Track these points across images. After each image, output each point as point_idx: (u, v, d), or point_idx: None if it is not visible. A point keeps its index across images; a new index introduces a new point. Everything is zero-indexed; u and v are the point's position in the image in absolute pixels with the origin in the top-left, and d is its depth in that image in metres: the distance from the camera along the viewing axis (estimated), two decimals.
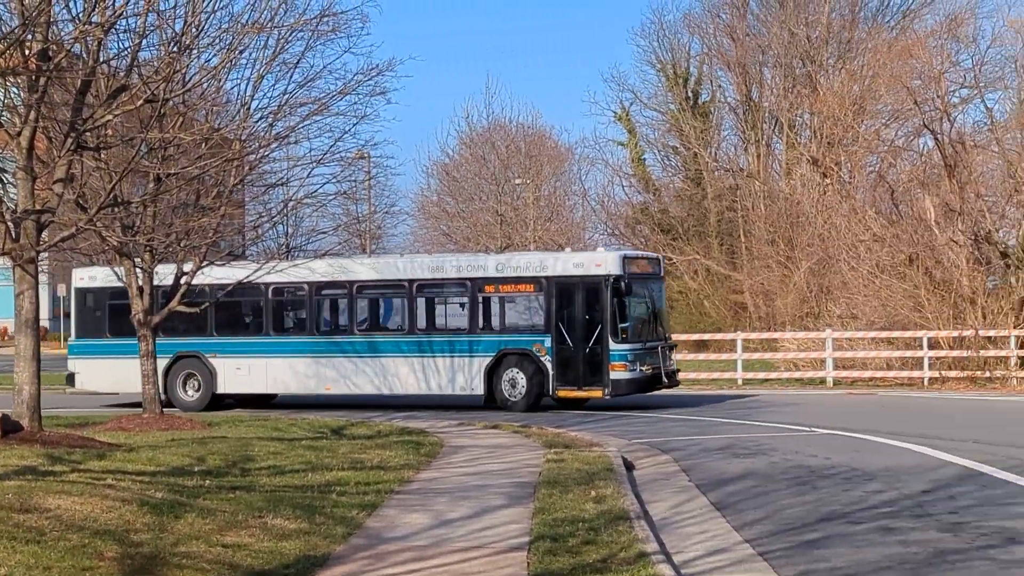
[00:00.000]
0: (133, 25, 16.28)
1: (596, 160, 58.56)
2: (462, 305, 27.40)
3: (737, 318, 46.64)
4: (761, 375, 33.07)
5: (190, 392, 28.68)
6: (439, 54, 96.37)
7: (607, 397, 25.17)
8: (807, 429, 21.40)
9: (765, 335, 38.85)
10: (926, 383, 31.49)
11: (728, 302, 49.25)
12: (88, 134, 16.08)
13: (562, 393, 25.66)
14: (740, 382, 32.26)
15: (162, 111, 17.94)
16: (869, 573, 9.68)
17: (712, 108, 54.83)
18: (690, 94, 54.97)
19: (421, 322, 27.56)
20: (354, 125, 23.32)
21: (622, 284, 25.18)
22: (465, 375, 26.41)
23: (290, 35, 20.66)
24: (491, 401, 25.96)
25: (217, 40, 18.63)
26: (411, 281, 27.41)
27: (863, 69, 45.05)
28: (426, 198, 61.91)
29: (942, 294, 34.91)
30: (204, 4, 17.50)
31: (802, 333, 35.77)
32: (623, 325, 25.31)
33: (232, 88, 22.24)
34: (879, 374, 32.16)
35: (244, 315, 29.68)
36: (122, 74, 16.59)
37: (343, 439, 19.83)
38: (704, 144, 52.40)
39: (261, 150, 22.27)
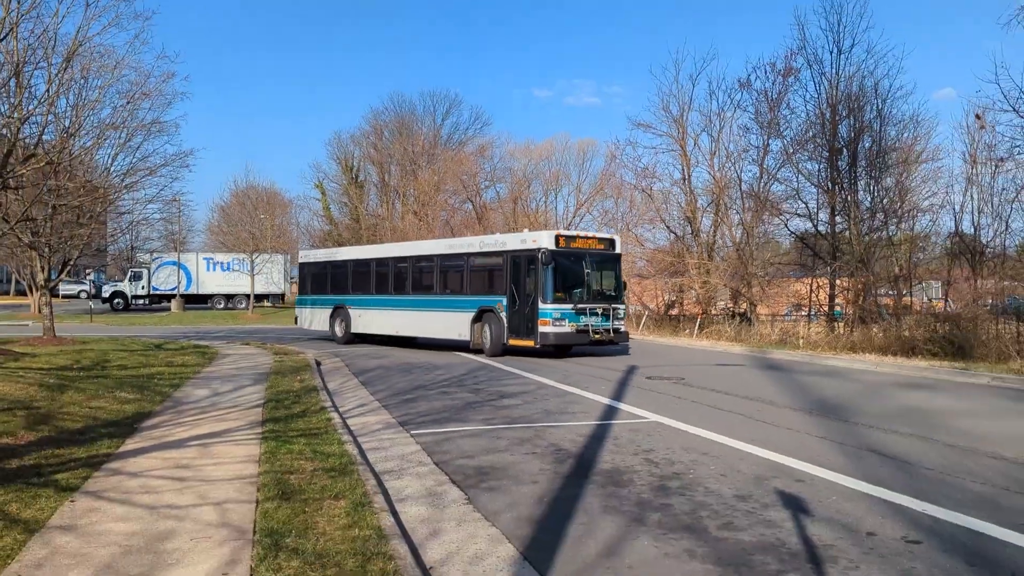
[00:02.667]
0: (38, 120, 19.04)
1: (304, 208, 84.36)
2: (459, 273, 27.95)
3: None
4: None
5: (338, 330, 32.01)
6: None
7: (537, 346, 25.12)
8: (410, 349, 26.23)
9: None
10: None
11: None
12: (11, 180, 18.04)
13: (512, 342, 25.77)
14: None
15: (56, 169, 20.93)
16: (436, 412, 13.33)
17: (365, 184, 77.24)
18: (353, 176, 77.62)
19: (437, 287, 28.60)
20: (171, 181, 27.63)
21: (543, 256, 24.95)
22: (459, 325, 27.18)
23: (134, 132, 23.63)
24: (478, 345, 26.97)
25: (91, 131, 22.59)
26: (438, 256, 28.95)
27: (440, 168, 64.59)
28: None
29: None
30: (84, 112, 20.58)
31: None
32: (550, 290, 24.97)
33: (99, 157, 25.36)
34: None
35: (366, 280, 31.84)
36: (32, 146, 18.92)
37: (162, 351, 22.09)
38: (360, 201, 74.68)
39: (115, 193, 24.06)
